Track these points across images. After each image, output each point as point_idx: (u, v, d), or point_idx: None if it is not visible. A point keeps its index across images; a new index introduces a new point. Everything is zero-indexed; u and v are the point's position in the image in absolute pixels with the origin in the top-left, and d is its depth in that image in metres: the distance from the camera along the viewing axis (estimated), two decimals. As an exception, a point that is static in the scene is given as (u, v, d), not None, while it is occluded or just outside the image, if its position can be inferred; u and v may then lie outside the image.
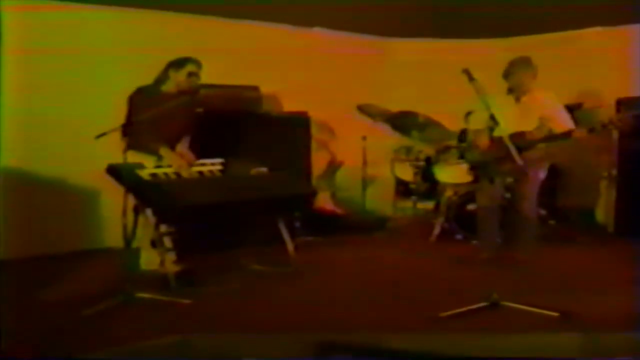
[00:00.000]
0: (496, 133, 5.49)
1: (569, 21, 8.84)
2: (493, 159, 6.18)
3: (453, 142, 8.28)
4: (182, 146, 6.34)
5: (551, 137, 6.43)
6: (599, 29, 8.97)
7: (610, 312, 5.23)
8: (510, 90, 6.64)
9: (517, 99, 6.58)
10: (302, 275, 6.30)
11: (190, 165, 6.08)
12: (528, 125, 6.38)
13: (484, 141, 6.47)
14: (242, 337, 4.61)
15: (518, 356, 4.47)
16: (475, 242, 7.20)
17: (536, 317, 4.96)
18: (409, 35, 9.64)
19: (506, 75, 6.62)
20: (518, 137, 5.95)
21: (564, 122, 6.52)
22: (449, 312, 4.92)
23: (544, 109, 6.52)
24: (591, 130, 6.19)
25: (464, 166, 7.12)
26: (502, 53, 7.87)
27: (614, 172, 8.44)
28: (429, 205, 8.67)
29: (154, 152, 5.96)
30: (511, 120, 6.14)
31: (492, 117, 5.28)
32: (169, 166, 5.89)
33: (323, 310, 5.34)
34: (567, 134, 6.34)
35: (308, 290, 5.94)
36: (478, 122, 6.57)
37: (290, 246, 6.50)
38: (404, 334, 4.73)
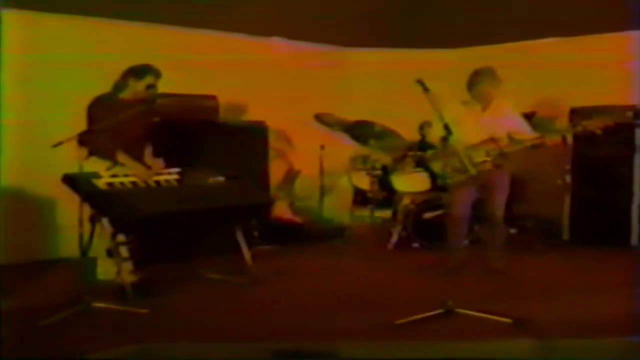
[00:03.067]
0: (450, 142, 5.53)
1: (524, 32, 8.96)
2: (450, 168, 6.26)
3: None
4: (149, 155, 6.35)
5: (528, 145, 6.53)
6: (553, 39, 9.09)
7: (564, 318, 5.32)
8: (473, 100, 6.66)
9: (483, 109, 6.63)
10: (259, 284, 6.31)
11: (159, 173, 6.09)
12: (494, 134, 6.44)
13: (454, 150, 6.49)
14: (200, 346, 4.62)
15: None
16: (442, 252, 7.22)
17: (490, 324, 5.01)
18: (367, 45, 9.70)
19: (470, 85, 6.64)
20: (486, 145, 6.01)
21: (527, 131, 6.62)
22: (405, 320, 4.96)
23: (507, 118, 6.61)
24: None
25: (421, 175, 7.18)
26: (458, 63, 7.98)
27: (568, 180, 8.56)
28: (387, 213, 8.71)
29: (114, 160, 5.95)
30: (473, 130, 6.22)
31: (446, 127, 5.35)
32: (126, 175, 5.87)
33: (280, 318, 5.36)
34: (538, 144, 6.44)
35: (266, 298, 5.96)
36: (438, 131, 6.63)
37: (247, 255, 6.50)
38: (360, 342, 4.77)
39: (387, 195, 8.56)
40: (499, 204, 6.63)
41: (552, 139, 6.48)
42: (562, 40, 9.01)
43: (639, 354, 4.68)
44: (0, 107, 6.81)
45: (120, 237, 5.83)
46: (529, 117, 8.05)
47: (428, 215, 7.69)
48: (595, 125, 6.45)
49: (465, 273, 6.53)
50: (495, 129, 6.47)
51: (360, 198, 9.01)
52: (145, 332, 4.94)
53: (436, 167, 6.62)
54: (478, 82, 6.61)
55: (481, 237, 6.89)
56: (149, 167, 6.17)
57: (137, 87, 6.15)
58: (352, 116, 8.72)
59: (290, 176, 9.27)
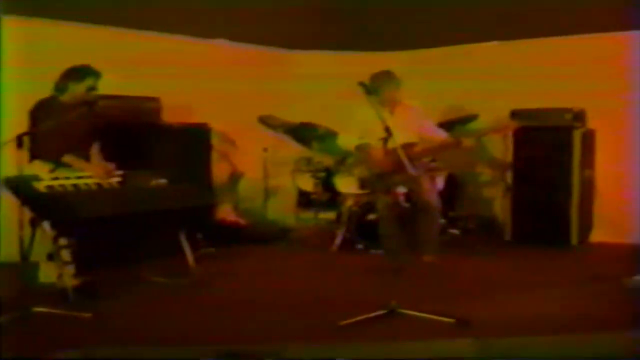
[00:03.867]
0: (390, 144, 5.58)
1: (466, 35, 9.05)
2: (386, 170, 6.30)
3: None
4: (96, 156, 6.30)
5: (441, 147, 6.60)
6: (495, 43, 9.21)
7: (505, 317, 5.40)
8: (383, 103, 6.65)
9: (392, 111, 6.67)
10: (203, 287, 6.29)
11: (111, 175, 6.05)
12: (406, 136, 6.48)
13: (377, 153, 6.55)
14: (144, 349, 4.59)
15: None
16: (380, 252, 7.26)
17: (433, 324, 5.07)
18: (310, 48, 9.72)
19: (373, 89, 6.61)
20: (406, 149, 6.05)
21: (436, 132, 6.71)
22: (348, 321, 4.98)
23: (416, 120, 6.68)
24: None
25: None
26: (401, 66, 8.03)
27: (509, 180, 8.68)
28: (331, 215, 8.75)
29: (58, 163, 5.89)
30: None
31: (387, 129, 5.39)
32: (80, 177, 5.83)
33: (224, 320, 5.35)
34: (457, 144, 6.52)
35: (209, 301, 5.93)
36: (361, 135, 6.66)
37: (190, 257, 6.48)
38: (303, 343, 4.78)
39: (331, 197, 8.59)
40: (429, 192, 6.71)
41: (469, 141, 6.56)
42: (504, 43, 9.13)
43: (579, 351, 4.76)
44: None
45: (62, 241, 5.76)
46: (471, 119, 8.21)
47: (371, 216, 7.72)
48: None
49: (408, 273, 6.57)
50: (405, 131, 6.47)
51: (304, 200, 9.04)
52: (87, 336, 4.90)
53: (360, 171, 6.68)
54: (379, 85, 6.64)
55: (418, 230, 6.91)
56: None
57: (77, 90, 6.10)
58: (295, 118, 8.75)
59: (234, 178, 9.24)
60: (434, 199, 6.76)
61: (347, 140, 7.00)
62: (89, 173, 5.95)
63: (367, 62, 8.67)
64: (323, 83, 9.14)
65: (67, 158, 5.93)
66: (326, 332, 4.95)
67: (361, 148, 6.70)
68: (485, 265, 7.53)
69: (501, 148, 8.81)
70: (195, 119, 8.28)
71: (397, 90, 6.75)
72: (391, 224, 6.81)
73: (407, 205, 6.91)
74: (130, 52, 7.89)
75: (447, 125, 7.86)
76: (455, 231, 8.67)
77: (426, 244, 6.81)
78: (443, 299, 5.80)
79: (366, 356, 4.61)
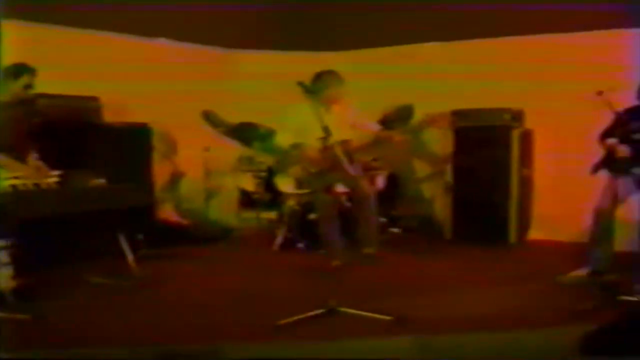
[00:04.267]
0: (328, 142, 5.61)
1: (408, 35, 9.13)
2: (325, 169, 6.33)
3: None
4: (34, 157, 6.22)
5: (375, 143, 6.66)
6: (436, 43, 9.30)
7: (444, 314, 5.47)
8: (320, 102, 6.64)
9: (328, 110, 6.71)
10: (144, 287, 6.26)
11: (44, 176, 5.98)
12: (342, 134, 6.51)
13: (313, 153, 6.59)
14: (84, 351, 4.56)
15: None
16: (322, 252, 7.28)
17: (372, 322, 5.11)
18: (253, 48, 9.73)
19: (316, 88, 6.64)
20: (343, 146, 6.08)
21: (372, 129, 6.78)
22: (287, 320, 5.00)
23: (352, 118, 6.73)
24: None
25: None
26: (344, 66, 8.08)
27: (450, 179, 8.77)
28: (272, 215, 8.77)
29: None
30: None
31: (326, 129, 5.42)
32: (16, 177, 5.75)
33: (164, 321, 5.33)
34: (389, 138, 6.58)
35: (150, 302, 5.91)
36: (299, 134, 6.67)
37: (130, 258, 6.45)
38: (242, 343, 4.80)
39: (273, 197, 8.61)
40: (365, 184, 6.80)
41: (399, 136, 6.64)
42: (445, 44, 9.23)
43: (516, 348, 4.84)
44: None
45: (0, 242, 5.69)
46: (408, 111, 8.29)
47: (312, 215, 7.75)
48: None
49: (348, 272, 6.62)
50: (341, 129, 6.48)
51: (246, 199, 9.04)
52: (26, 338, 4.85)
53: (296, 171, 6.71)
54: (322, 85, 6.68)
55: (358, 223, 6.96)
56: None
57: (14, 88, 6.03)
58: (237, 118, 8.75)
59: (175, 178, 9.20)
60: (371, 191, 6.80)
61: (283, 140, 7.02)
62: (22, 174, 5.86)
63: (308, 62, 8.71)
64: (265, 83, 9.15)
65: (1, 160, 5.85)
66: (265, 331, 4.95)
67: (296, 147, 6.72)
68: (424, 264, 7.62)
69: (441, 147, 8.92)
70: (136, 118, 8.22)
71: (340, 90, 6.80)
72: (331, 222, 6.85)
73: (347, 204, 6.99)
74: (70, 50, 7.80)
75: (387, 121, 7.93)
76: (396, 230, 8.74)
77: (365, 237, 6.85)
78: (383, 298, 5.87)
79: (305, 355, 4.64)
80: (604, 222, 6.46)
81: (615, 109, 5.91)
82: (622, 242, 6.68)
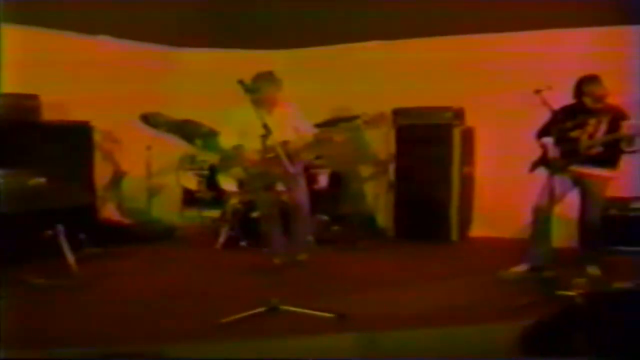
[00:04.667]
0: (269, 142, 5.61)
1: (350, 34, 9.16)
2: (265, 168, 6.32)
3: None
4: None
5: (315, 143, 6.68)
6: (377, 42, 9.35)
7: (386, 311, 5.52)
8: (260, 102, 6.62)
9: (269, 111, 6.70)
10: (85, 288, 6.20)
11: None
12: (283, 134, 6.47)
13: (251, 154, 6.57)
14: (23, 352, 4.50)
15: (296, 358, 4.63)
16: (265, 250, 7.27)
17: (314, 320, 5.13)
18: (195, 46, 9.68)
19: (253, 88, 6.66)
20: (283, 146, 6.06)
21: (308, 131, 6.81)
22: (230, 319, 5.00)
23: (293, 119, 6.75)
24: None
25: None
26: (285, 64, 8.10)
27: (392, 178, 8.83)
28: (215, 213, 8.74)
29: None
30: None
31: (266, 127, 5.43)
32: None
33: (106, 321, 5.29)
34: (328, 139, 6.61)
35: (91, 302, 5.86)
36: (241, 134, 6.64)
37: (71, 258, 6.38)
38: (185, 342, 4.78)
39: (216, 195, 8.57)
40: (300, 192, 6.78)
41: (340, 137, 6.68)
42: (386, 43, 9.28)
43: (457, 343, 4.89)
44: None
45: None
46: (352, 119, 8.29)
47: (255, 214, 7.74)
48: None
49: (291, 270, 6.63)
50: (282, 130, 6.46)
51: (188, 198, 8.99)
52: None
53: (237, 172, 6.70)
54: (260, 85, 6.68)
55: (290, 230, 6.97)
56: None
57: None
58: (179, 116, 8.70)
59: (117, 177, 9.12)
60: (304, 202, 6.83)
61: (226, 141, 7.00)
62: None
63: (250, 61, 8.71)
64: (207, 81, 9.11)
65: None
66: (207, 330, 4.94)
67: (237, 148, 6.71)
68: (367, 261, 7.68)
69: (384, 146, 8.97)
70: (77, 116, 8.13)
71: (278, 91, 6.82)
72: (272, 221, 6.86)
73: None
74: (7, 47, 7.67)
75: (329, 125, 7.95)
76: (338, 228, 8.76)
77: (298, 244, 6.85)
78: (325, 295, 5.90)
79: (247, 353, 4.64)
80: (542, 219, 6.57)
81: (552, 107, 6.00)
82: (561, 238, 6.81)
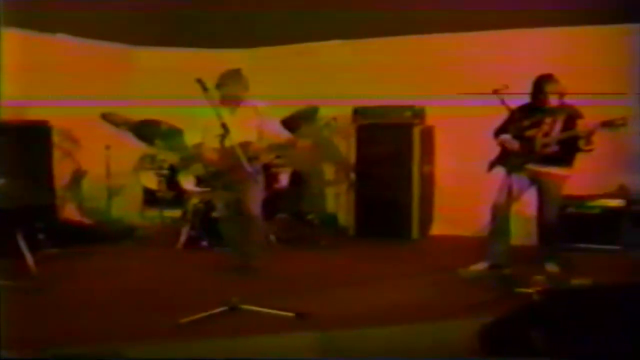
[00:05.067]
0: (227, 142, 5.58)
1: (310, 33, 9.17)
2: (224, 168, 6.29)
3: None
4: None
5: (277, 147, 6.66)
6: (338, 41, 9.37)
7: (346, 309, 5.54)
8: (225, 101, 6.65)
9: (233, 110, 6.68)
10: (45, 288, 6.13)
11: None
12: (246, 135, 6.45)
13: (210, 153, 6.52)
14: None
15: (257, 358, 4.63)
16: (223, 250, 7.24)
17: (274, 319, 5.13)
18: (155, 45, 9.64)
19: (219, 86, 6.65)
20: (243, 147, 6.03)
21: (276, 132, 6.77)
22: (189, 318, 4.98)
23: (258, 119, 6.71)
24: None
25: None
26: (247, 63, 8.08)
27: (353, 177, 8.85)
28: (176, 213, 8.70)
29: None
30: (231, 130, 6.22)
31: (224, 126, 5.41)
32: None
33: (64, 322, 5.25)
34: (291, 143, 6.59)
35: (50, 303, 5.80)
36: (204, 132, 6.59)
37: (29, 259, 6.32)
38: (144, 342, 4.76)
39: (176, 195, 8.53)
40: (253, 200, 6.67)
41: (304, 142, 6.68)
42: (347, 42, 9.31)
43: (418, 340, 4.93)
44: None
45: None
46: (310, 112, 8.31)
47: (216, 213, 7.71)
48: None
49: (252, 270, 6.62)
50: (244, 130, 6.44)
51: (149, 198, 8.93)
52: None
53: (196, 169, 6.66)
54: (226, 83, 6.67)
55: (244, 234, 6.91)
56: None
57: None
58: (138, 116, 8.64)
59: (77, 177, 9.04)
60: (257, 209, 6.72)
61: (190, 139, 6.94)
62: None
63: (210, 60, 8.69)
64: (166, 80, 9.05)
65: None
66: (167, 330, 4.93)
67: (197, 146, 6.66)
68: (328, 260, 7.69)
69: (344, 145, 8.99)
70: (36, 116, 8.06)
71: (244, 90, 6.76)
72: (231, 221, 6.82)
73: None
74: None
75: (291, 122, 7.94)
76: (299, 227, 8.76)
77: (252, 253, 6.79)
78: (286, 294, 5.90)
79: (207, 353, 4.64)
80: (500, 218, 6.64)
81: (509, 106, 6.06)
82: (519, 236, 6.88)
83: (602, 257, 7.43)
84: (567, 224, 7.14)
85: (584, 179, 7.17)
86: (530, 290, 5.44)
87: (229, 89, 6.66)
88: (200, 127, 6.59)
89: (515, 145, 6.51)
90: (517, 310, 4.29)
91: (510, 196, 6.44)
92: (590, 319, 3.80)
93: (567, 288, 5.77)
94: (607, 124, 6.17)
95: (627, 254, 7.55)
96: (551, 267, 6.61)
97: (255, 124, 6.67)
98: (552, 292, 5.20)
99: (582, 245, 7.59)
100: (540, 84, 6.51)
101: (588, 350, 3.64)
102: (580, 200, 7.78)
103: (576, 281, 6.07)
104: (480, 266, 6.74)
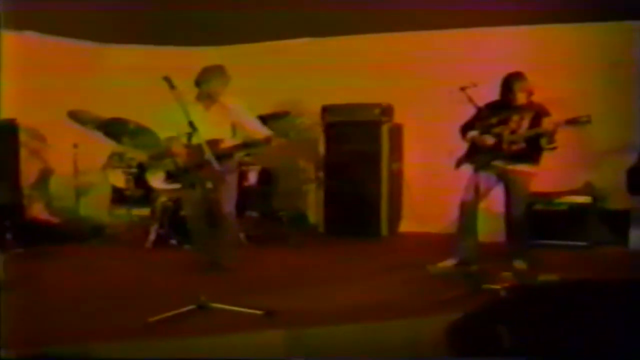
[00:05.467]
0: (194, 140, 5.57)
1: (278, 31, 9.17)
2: (192, 165, 6.27)
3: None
4: None
5: (249, 145, 6.65)
6: (306, 40, 9.38)
7: (315, 307, 5.54)
8: (201, 98, 6.66)
9: (207, 107, 6.67)
10: (12, 288, 6.08)
11: None
12: (220, 132, 6.49)
13: (180, 149, 6.50)
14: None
15: (226, 356, 4.63)
16: (192, 249, 7.21)
17: (243, 317, 5.12)
18: (123, 42, 9.59)
19: (199, 82, 6.65)
20: (214, 145, 6.03)
21: (256, 129, 6.75)
22: (158, 317, 4.96)
23: (235, 117, 6.69)
24: None
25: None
26: (215, 61, 8.05)
27: (322, 175, 8.87)
28: (145, 211, 8.66)
29: None
30: (204, 127, 6.19)
31: (191, 124, 5.39)
32: None
33: (33, 322, 5.20)
34: (266, 140, 6.58)
35: (19, 303, 5.74)
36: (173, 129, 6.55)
37: (-4, 258, 6.28)
38: (113, 342, 4.73)
39: (145, 193, 8.49)
40: (226, 200, 6.66)
41: (278, 140, 6.67)
42: (316, 40, 9.32)
43: (387, 338, 4.94)
44: None
45: None
46: (281, 116, 8.32)
47: (184, 212, 7.69)
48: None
49: (221, 268, 6.60)
50: (218, 128, 6.46)
51: (117, 196, 8.88)
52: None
53: (167, 164, 6.62)
54: (207, 79, 6.63)
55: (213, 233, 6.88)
56: None
57: None
58: (106, 113, 8.58)
59: (45, 176, 8.98)
60: (228, 208, 6.72)
61: (163, 131, 6.86)
62: None
63: (179, 57, 8.67)
64: (135, 78, 9.00)
65: None
66: (136, 329, 4.90)
67: (169, 139, 6.59)
68: (298, 258, 7.71)
69: (314, 142, 9.00)
70: (2, 114, 7.98)
71: (223, 87, 6.71)
72: (198, 219, 6.79)
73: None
74: None
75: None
76: (269, 225, 8.76)
77: (224, 252, 6.78)
78: (255, 292, 5.88)
79: (175, 352, 4.63)
80: (468, 214, 6.68)
81: (476, 104, 6.10)
82: (487, 233, 6.93)
83: (569, 254, 7.51)
84: (534, 221, 7.17)
85: (551, 176, 7.22)
86: (497, 287, 5.49)
87: (210, 85, 6.61)
88: (170, 124, 6.55)
89: (488, 140, 6.55)
90: (485, 307, 4.32)
91: (478, 193, 6.49)
92: (558, 316, 3.83)
93: (535, 284, 5.82)
94: (572, 122, 6.23)
95: (593, 250, 7.64)
96: (519, 264, 6.65)
97: (231, 121, 6.64)
98: (520, 289, 5.24)
99: (550, 242, 7.66)
100: (509, 81, 6.55)
101: (555, 347, 3.67)
102: (547, 197, 7.86)
103: (543, 277, 6.13)
104: (449, 263, 6.78)
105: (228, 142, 6.52)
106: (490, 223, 7.05)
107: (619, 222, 7.82)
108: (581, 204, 7.88)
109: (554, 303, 3.93)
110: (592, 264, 7.17)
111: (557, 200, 7.91)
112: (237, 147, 6.67)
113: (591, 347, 3.69)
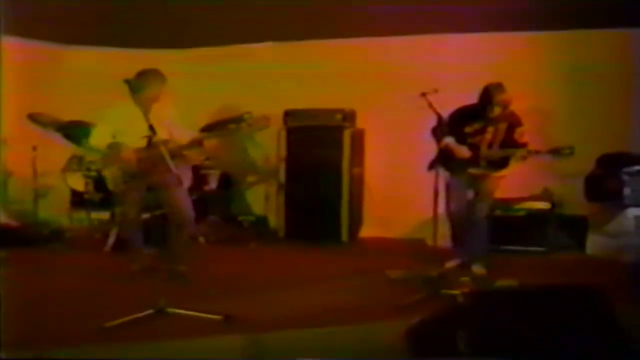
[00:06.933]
0: (153, 142, 5.52)
1: (240, 35, 9.15)
2: (145, 169, 6.23)
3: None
4: None
5: (184, 146, 6.58)
6: (269, 44, 9.37)
7: (274, 312, 5.55)
8: (140, 101, 6.50)
9: (148, 109, 6.59)
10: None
11: None
12: (162, 133, 6.27)
13: (128, 154, 6.39)
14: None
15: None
16: (151, 253, 7.15)
17: (202, 322, 5.11)
18: (85, 44, 9.51)
19: (137, 88, 6.39)
20: (166, 145, 5.95)
21: (182, 131, 6.71)
22: (115, 322, 4.93)
23: (167, 119, 6.63)
24: None
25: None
26: (178, 64, 8.03)
27: (283, 179, 8.86)
28: (105, 215, 8.59)
29: None
30: (137, 132, 6.10)
31: (151, 127, 5.35)
32: None
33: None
34: (197, 142, 6.52)
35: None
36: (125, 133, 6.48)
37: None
38: (70, 347, 4.69)
39: (104, 197, 8.41)
40: (179, 202, 6.57)
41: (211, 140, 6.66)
42: (278, 44, 9.32)
43: (346, 342, 4.95)
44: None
45: None
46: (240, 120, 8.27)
47: (145, 215, 7.63)
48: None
49: (179, 273, 6.55)
50: (160, 129, 6.24)
51: (77, 200, 8.79)
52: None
53: (111, 171, 6.56)
54: (144, 82, 6.55)
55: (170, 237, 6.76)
56: None
57: None
58: (66, 116, 8.52)
59: (2, 178, 8.88)
60: (183, 211, 6.59)
61: (99, 139, 6.72)
62: None
63: (137, 60, 8.60)
64: (92, 79, 8.93)
65: None
66: (92, 334, 4.86)
67: (114, 146, 6.49)
68: (258, 262, 7.71)
69: (275, 147, 8.99)
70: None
71: (161, 89, 6.64)
72: (132, 226, 6.75)
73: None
74: None
75: (217, 126, 7.91)
76: (229, 229, 8.74)
77: (178, 255, 6.73)
78: (213, 297, 5.89)
79: (133, 356, 4.60)
80: (459, 222, 6.79)
81: (437, 110, 6.09)
82: (445, 237, 6.98)
83: (528, 259, 7.59)
84: (494, 226, 7.22)
85: (511, 182, 7.27)
86: (456, 292, 5.52)
87: (149, 90, 6.51)
88: (113, 127, 6.45)
89: (465, 152, 6.60)
90: (443, 312, 4.35)
91: (462, 197, 6.61)
92: (516, 320, 3.87)
93: (493, 289, 5.86)
94: (554, 152, 6.34)
95: (551, 255, 7.72)
96: (478, 269, 6.70)
97: (166, 124, 6.54)
98: (478, 294, 5.28)
99: (508, 247, 7.73)
100: (490, 92, 6.56)
101: (513, 351, 3.70)
102: (506, 203, 7.92)
103: (502, 283, 6.18)
104: (452, 263, 6.90)
105: (175, 143, 6.43)
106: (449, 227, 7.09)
107: (576, 228, 7.92)
108: (540, 210, 7.96)
109: (511, 308, 3.97)
110: (550, 269, 7.25)
111: (516, 206, 7.99)
112: (183, 148, 6.56)
113: (548, 351, 3.74)
